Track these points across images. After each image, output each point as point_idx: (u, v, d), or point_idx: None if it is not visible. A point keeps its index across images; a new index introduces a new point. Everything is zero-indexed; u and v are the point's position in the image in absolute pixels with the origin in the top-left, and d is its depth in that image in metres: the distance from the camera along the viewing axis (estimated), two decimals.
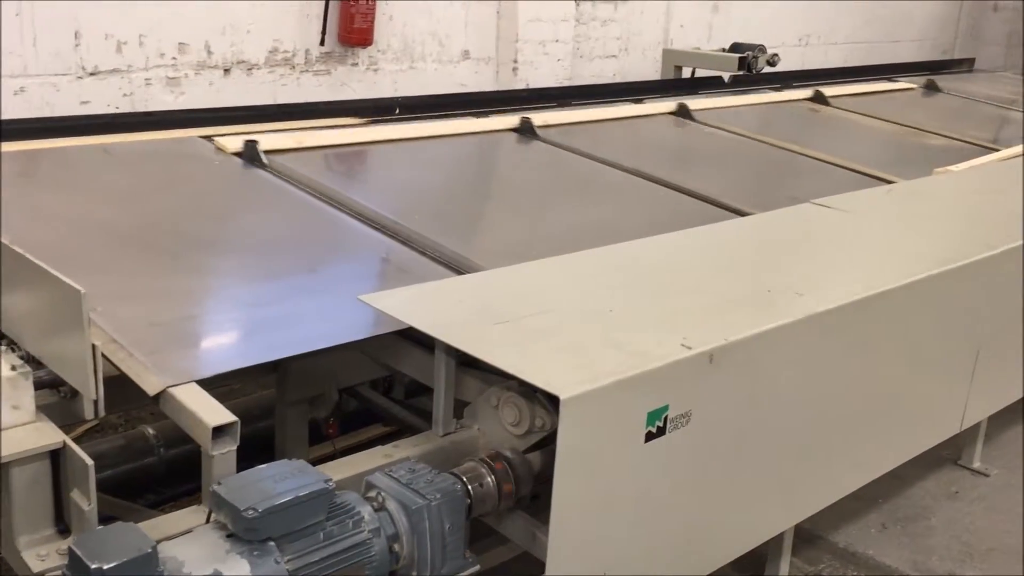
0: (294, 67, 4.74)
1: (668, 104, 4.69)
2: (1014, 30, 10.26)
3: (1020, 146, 4.37)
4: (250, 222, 2.87)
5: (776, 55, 5.94)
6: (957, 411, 2.98)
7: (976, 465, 3.78)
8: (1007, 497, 3.61)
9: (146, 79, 4.24)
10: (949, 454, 3.80)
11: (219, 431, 1.76)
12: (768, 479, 2.38)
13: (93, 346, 1.82)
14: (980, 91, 6.13)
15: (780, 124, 4.84)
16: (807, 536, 3.22)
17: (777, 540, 2.85)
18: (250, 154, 3.24)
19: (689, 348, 2.01)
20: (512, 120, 4.06)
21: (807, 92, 5.33)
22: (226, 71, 4.49)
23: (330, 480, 1.66)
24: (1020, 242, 2.95)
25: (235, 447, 1.78)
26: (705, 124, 4.53)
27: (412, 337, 2.23)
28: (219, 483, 1.62)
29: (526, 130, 3.99)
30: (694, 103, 4.74)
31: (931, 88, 6.04)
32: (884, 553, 3.21)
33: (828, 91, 5.35)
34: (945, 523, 3.42)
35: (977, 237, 2.93)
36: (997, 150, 4.48)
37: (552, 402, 1.82)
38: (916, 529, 3.37)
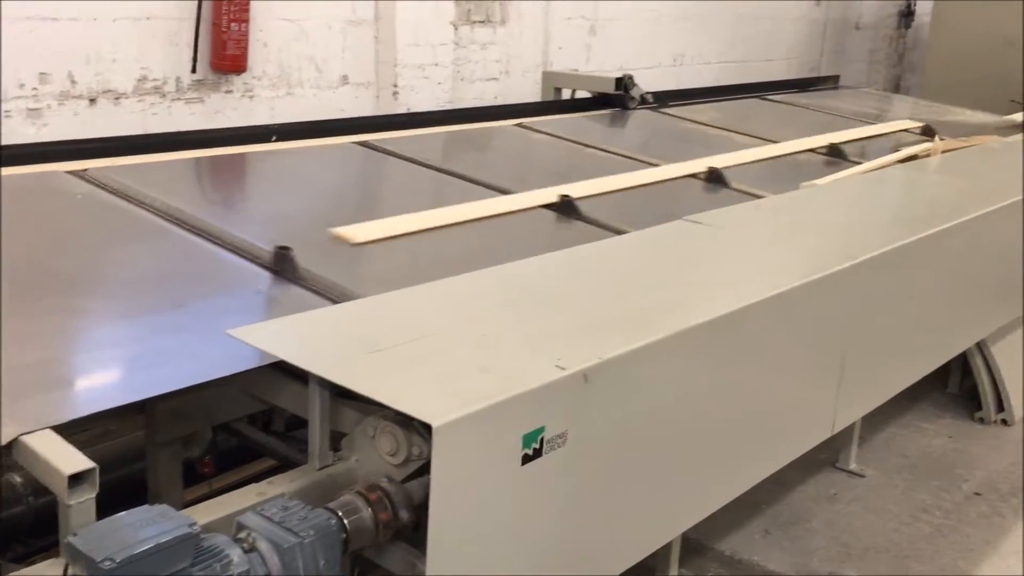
0: (164, 95, 4.61)
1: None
2: (875, 47, 10.82)
3: (879, 160, 4.59)
4: (114, 258, 2.77)
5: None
6: (828, 415, 3.08)
7: (852, 467, 3.93)
8: (882, 496, 3.76)
9: (5, 111, 4.06)
10: (827, 457, 3.94)
11: (76, 479, 1.68)
12: (650, 492, 2.41)
13: None
14: (845, 107, 6.41)
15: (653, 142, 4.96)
16: (694, 546, 3.28)
17: (665, 551, 2.90)
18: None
19: (563, 368, 2.03)
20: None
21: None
22: (92, 101, 4.33)
23: (195, 524, 1.60)
24: (879, 251, 3.08)
25: (94, 495, 1.70)
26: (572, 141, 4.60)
27: (287, 369, 2.18)
28: (74, 534, 1.54)
29: None
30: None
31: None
32: (768, 558, 3.30)
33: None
34: (825, 525, 3.54)
35: (840, 248, 3.05)
36: (859, 163, 4.69)
37: (428, 429, 1.81)
38: (797, 532, 3.47)
